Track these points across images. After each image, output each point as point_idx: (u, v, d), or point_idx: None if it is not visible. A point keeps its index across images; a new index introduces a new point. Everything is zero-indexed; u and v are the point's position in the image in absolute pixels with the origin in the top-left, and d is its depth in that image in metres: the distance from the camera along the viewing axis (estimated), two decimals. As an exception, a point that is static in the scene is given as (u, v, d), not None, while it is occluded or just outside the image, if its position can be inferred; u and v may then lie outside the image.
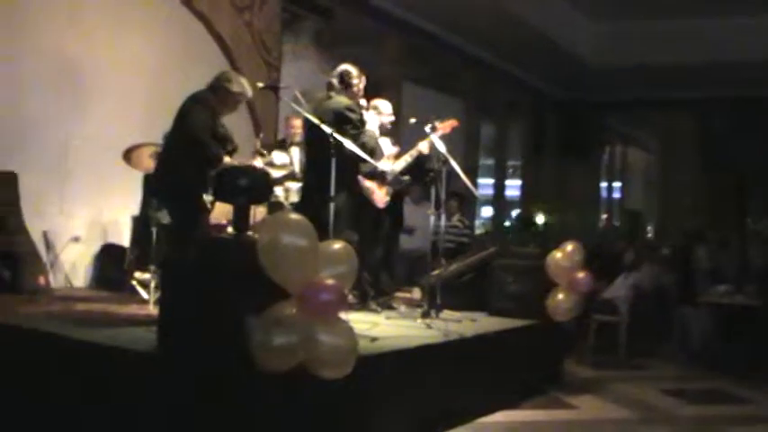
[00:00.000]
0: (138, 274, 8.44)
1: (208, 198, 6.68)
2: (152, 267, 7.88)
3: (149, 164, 7.94)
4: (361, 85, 8.04)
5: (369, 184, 8.19)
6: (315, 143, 7.49)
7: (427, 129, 8.31)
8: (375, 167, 8.02)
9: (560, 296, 8.70)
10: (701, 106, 19.18)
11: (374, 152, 7.94)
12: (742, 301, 11.41)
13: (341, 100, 7.78)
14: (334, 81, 7.94)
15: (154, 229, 8.01)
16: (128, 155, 8.30)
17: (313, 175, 7.64)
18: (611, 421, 8.06)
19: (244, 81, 6.97)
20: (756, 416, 8.85)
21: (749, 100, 18.04)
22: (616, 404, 8.69)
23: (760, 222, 18.37)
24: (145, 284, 8.16)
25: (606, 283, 11.56)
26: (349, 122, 7.62)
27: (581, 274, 8.75)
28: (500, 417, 7.52)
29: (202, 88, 6.86)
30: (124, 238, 9.53)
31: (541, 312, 8.66)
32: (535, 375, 8.55)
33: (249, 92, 7.02)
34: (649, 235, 19.99)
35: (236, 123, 7.24)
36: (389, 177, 8.30)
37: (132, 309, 7.67)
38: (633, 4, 16.02)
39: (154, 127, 8.61)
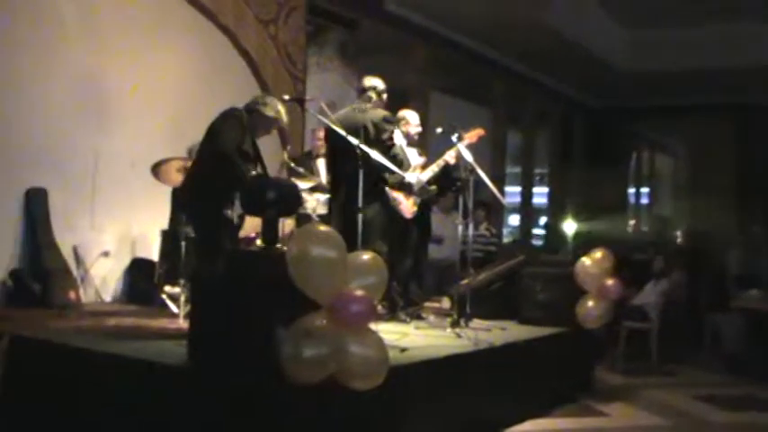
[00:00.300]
0: (167, 288, 8.49)
1: (236, 213, 6.72)
2: (181, 281, 7.92)
3: (177, 178, 7.99)
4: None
5: (396, 194, 8.20)
6: (341, 155, 7.53)
7: (454, 138, 8.32)
8: (402, 178, 8.03)
9: (590, 303, 8.67)
10: (730, 112, 19.09)
11: (402, 164, 7.98)
12: (773, 306, 11.36)
13: (378, 112, 7.88)
14: (372, 94, 8.04)
15: (183, 243, 8.05)
16: (156, 169, 8.33)
17: (342, 187, 7.69)
18: (642, 428, 8.02)
19: (281, 107, 7.00)
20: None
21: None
22: (647, 411, 8.65)
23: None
24: (174, 298, 8.21)
25: (636, 290, 11.51)
26: (386, 133, 7.75)
27: (610, 281, 8.72)
28: (531, 425, 7.51)
29: (238, 106, 6.91)
30: (153, 253, 9.56)
31: (571, 320, 8.63)
32: (565, 383, 8.53)
33: (284, 118, 7.06)
34: (679, 240, 19.86)
35: (263, 137, 7.25)
36: (416, 188, 8.30)
37: (162, 323, 7.71)
38: (663, 11, 15.95)
39: (181, 141, 8.70)
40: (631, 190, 22.99)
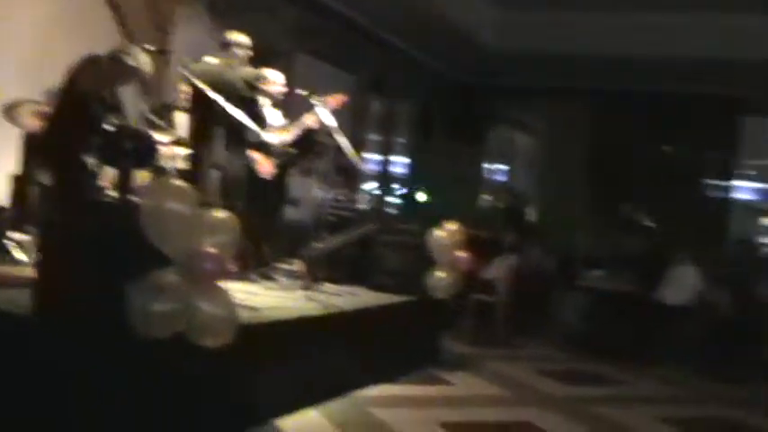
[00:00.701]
0: (14, 235, 8.27)
1: (92, 161, 6.60)
2: (30, 228, 7.73)
3: (31, 122, 7.78)
4: None
5: (255, 154, 8.16)
6: (203, 110, 7.47)
7: (316, 102, 8.31)
8: (262, 138, 8.00)
9: (440, 274, 8.81)
10: (587, 97, 19.48)
11: (264, 123, 7.96)
12: (616, 287, 11.72)
13: (249, 70, 7.85)
14: (238, 50, 8.00)
15: (34, 189, 7.85)
16: (8, 112, 8.09)
17: (203, 142, 7.63)
18: (485, 398, 8.21)
19: (143, 57, 6.90)
20: (628, 397, 9.16)
21: (638, 93, 18.38)
22: (491, 382, 8.86)
23: (639, 212, 18.85)
24: (21, 245, 8.00)
25: (486, 264, 11.72)
26: (257, 90, 7.73)
27: (461, 254, 8.87)
28: (377, 391, 7.60)
29: (100, 53, 6.78)
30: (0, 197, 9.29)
31: (421, 289, 8.75)
32: (413, 351, 8.65)
33: (146, 68, 6.96)
34: (531, 218, 20.26)
35: (124, 87, 7.12)
36: (276, 149, 8.28)
37: (7, 270, 7.51)
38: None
39: (39, 85, 8.43)
40: (488, 165, 23.31)
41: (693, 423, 8.10)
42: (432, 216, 14.04)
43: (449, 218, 9.36)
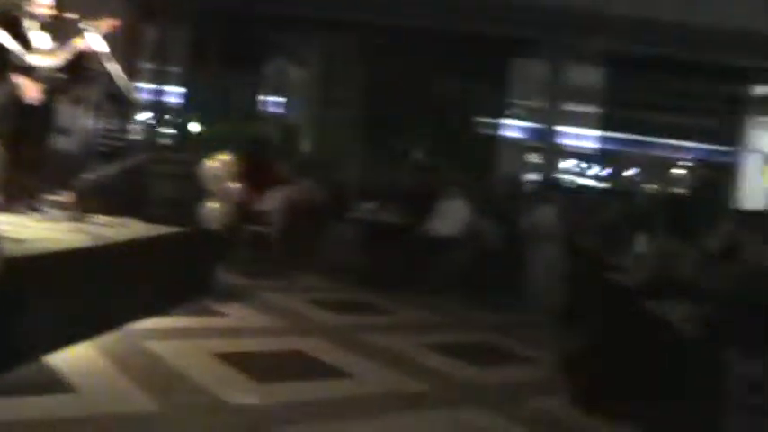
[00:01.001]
0: None
1: None
2: None
3: None
4: None
5: (20, 78, 7.82)
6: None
7: (86, 26, 8.03)
8: (27, 61, 7.68)
9: (213, 204, 8.78)
10: (367, 31, 19.62)
11: (30, 46, 7.65)
12: (387, 219, 11.97)
13: None
14: None
15: None
16: None
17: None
18: (258, 329, 8.27)
19: None
20: (397, 325, 9.42)
21: (416, 30, 18.62)
22: (264, 313, 8.92)
23: (413, 146, 19.28)
24: None
25: (260, 195, 11.72)
26: (21, 11, 7.42)
27: (234, 184, 8.86)
28: (151, 323, 7.52)
29: None
30: None
31: (194, 220, 8.70)
32: (186, 283, 8.60)
33: None
34: (305, 150, 20.40)
35: None
36: (43, 73, 7.97)
37: None
38: None
39: None
40: (264, 97, 23.28)
41: (456, 348, 8.36)
42: (205, 146, 13.95)
43: (222, 148, 9.31)
